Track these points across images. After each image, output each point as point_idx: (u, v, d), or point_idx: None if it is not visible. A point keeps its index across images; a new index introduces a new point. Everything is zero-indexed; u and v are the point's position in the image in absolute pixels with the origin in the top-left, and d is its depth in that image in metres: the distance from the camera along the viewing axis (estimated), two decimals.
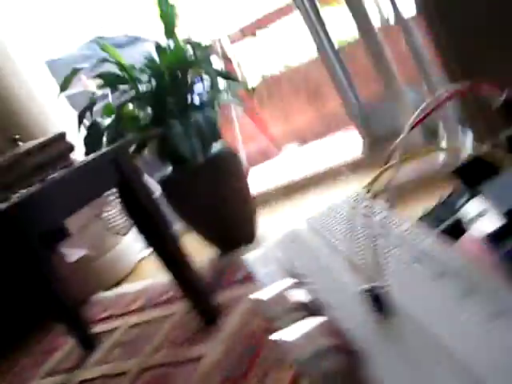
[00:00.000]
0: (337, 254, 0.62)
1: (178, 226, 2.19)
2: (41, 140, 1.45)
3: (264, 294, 0.58)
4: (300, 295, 0.57)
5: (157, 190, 2.09)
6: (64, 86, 2.02)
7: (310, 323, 0.53)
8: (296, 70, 3.81)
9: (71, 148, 1.50)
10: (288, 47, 4.03)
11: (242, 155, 3.04)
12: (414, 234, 0.57)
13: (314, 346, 0.50)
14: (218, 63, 2.30)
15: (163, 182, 2.10)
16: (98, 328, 1.96)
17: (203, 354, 1.41)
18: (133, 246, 2.70)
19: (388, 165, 0.63)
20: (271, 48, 4.10)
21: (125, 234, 1.64)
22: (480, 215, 0.53)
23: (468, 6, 1.30)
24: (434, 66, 1.72)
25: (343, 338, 0.49)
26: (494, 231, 0.45)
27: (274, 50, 4.11)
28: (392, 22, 1.91)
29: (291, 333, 0.53)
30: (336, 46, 2.39)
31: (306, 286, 0.58)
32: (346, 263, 0.59)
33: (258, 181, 2.81)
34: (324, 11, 3.66)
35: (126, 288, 2.32)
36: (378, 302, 0.50)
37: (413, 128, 0.61)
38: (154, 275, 2.27)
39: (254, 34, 2.06)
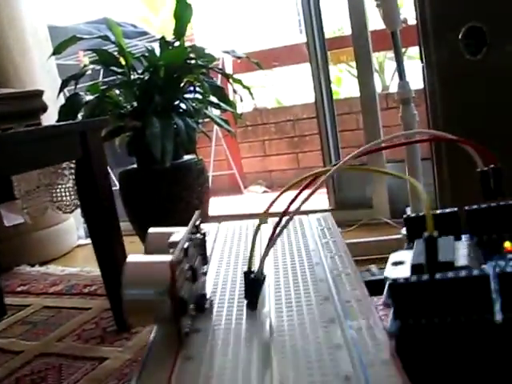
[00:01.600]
0: None
1: (125, 224, 2.13)
2: (15, 90, 1.39)
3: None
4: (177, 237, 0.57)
5: (114, 185, 2.03)
6: (58, 50, 1.96)
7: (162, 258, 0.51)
8: (287, 110, 3.82)
9: (44, 108, 1.44)
10: (287, 87, 4.06)
11: (209, 178, 3.00)
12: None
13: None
14: (215, 79, 2.27)
15: (124, 176, 2.04)
16: (9, 300, 1.88)
17: (106, 357, 1.34)
18: (74, 230, 2.62)
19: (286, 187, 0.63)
20: (270, 83, 4.12)
21: (68, 212, 1.57)
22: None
23: (476, 100, 1.30)
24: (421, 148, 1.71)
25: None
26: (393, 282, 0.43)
27: (273, 86, 4.14)
28: (392, 89, 1.93)
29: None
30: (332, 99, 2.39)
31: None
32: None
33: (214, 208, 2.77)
34: (334, 68, 3.72)
35: (53, 269, 2.23)
36: (251, 287, 0.52)
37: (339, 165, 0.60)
38: (85, 265, 2.21)
39: (263, 68, 2.05)
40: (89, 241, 2.40)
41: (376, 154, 2.15)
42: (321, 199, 2.46)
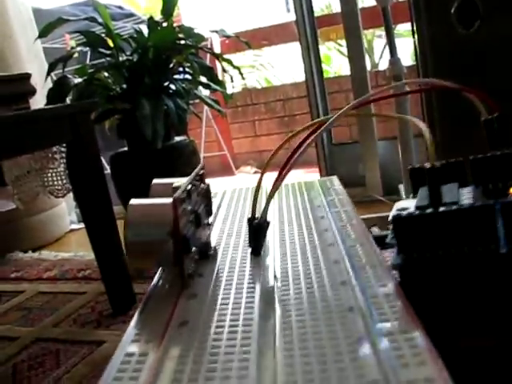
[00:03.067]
0: None
1: (117, 207, 2.11)
2: (2, 74, 1.37)
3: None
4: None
5: (105, 168, 2.01)
6: (44, 32, 1.93)
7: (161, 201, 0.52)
8: (277, 89, 3.80)
9: (33, 91, 1.42)
10: (276, 67, 4.04)
11: (201, 157, 2.98)
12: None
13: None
14: (205, 59, 2.25)
15: (115, 159, 2.03)
16: (3, 287, 1.87)
17: (103, 340, 1.33)
18: (66, 214, 2.61)
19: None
20: (260, 63, 4.10)
21: (60, 197, 1.55)
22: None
23: (469, 75, 1.30)
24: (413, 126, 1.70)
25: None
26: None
27: (263, 65, 4.11)
28: (382, 67, 1.92)
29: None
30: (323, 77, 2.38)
31: None
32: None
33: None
34: (323, 46, 3.70)
35: (46, 254, 2.22)
36: (254, 233, 0.53)
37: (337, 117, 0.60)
38: (78, 249, 2.20)
39: (253, 47, 2.03)
40: (81, 225, 2.41)
41: (369, 131, 2.15)
42: (314, 178, 2.46)
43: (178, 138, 2.01)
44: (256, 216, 0.54)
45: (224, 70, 2.04)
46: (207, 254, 0.57)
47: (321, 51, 2.43)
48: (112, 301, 1.50)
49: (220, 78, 2.10)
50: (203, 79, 2.01)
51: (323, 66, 2.49)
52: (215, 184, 3.25)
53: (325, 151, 2.37)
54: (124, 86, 2.01)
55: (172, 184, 0.56)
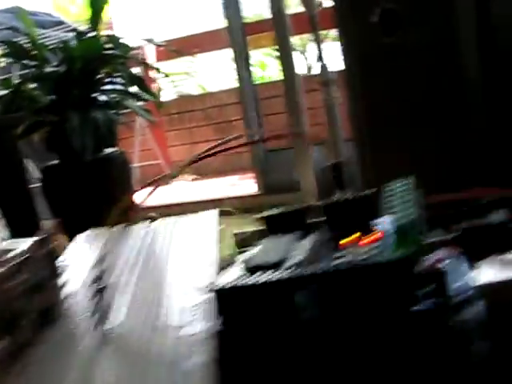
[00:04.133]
0: None
1: (49, 222, 2.07)
2: None
3: None
4: None
5: (37, 179, 1.96)
6: None
7: None
8: (212, 96, 3.79)
9: None
10: (212, 74, 4.03)
11: (135, 169, 2.95)
12: None
13: None
14: (135, 69, 2.22)
15: (46, 172, 1.98)
16: None
17: None
18: None
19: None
20: (195, 70, 4.08)
21: None
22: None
23: (393, 81, 1.32)
24: (343, 129, 1.73)
25: None
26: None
27: (198, 73, 4.10)
28: (314, 72, 1.94)
29: None
30: (255, 83, 2.39)
31: None
32: None
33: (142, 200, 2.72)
34: (258, 52, 3.71)
35: None
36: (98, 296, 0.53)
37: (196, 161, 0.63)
38: None
39: (185, 54, 2.01)
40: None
41: (298, 137, 2.17)
42: (250, 184, 2.47)
43: (108, 150, 1.97)
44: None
45: (153, 80, 2.02)
46: (51, 317, 0.55)
47: (257, 57, 2.44)
48: None
49: (153, 86, 2.08)
50: (133, 89, 1.99)
51: (260, 71, 2.50)
52: (153, 194, 3.21)
53: (260, 157, 2.38)
54: (52, 97, 1.96)
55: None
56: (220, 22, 3.42)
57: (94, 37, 1.91)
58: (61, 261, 0.62)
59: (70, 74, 1.89)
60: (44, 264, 0.56)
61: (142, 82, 1.97)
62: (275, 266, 0.40)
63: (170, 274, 0.62)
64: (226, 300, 0.39)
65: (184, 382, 0.37)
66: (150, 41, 2.06)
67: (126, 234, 0.64)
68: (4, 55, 1.98)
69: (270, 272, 0.39)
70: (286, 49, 2.15)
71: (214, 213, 0.84)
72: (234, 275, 0.41)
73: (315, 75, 3.08)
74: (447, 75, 1.24)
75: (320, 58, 1.71)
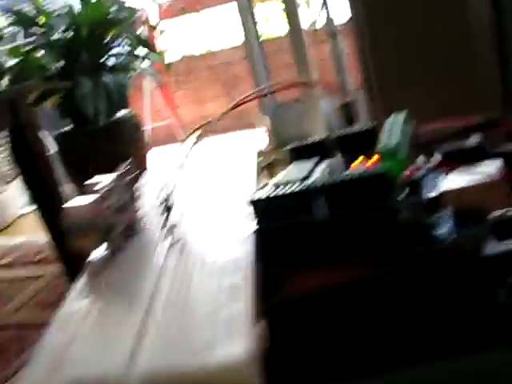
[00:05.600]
0: None
1: (68, 187, 2.11)
2: None
3: None
4: None
5: (52, 146, 1.99)
6: None
7: None
8: (218, 54, 3.77)
9: None
10: (216, 31, 3.99)
11: (147, 130, 2.97)
12: None
13: None
14: (141, 30, 2.22)
15: (61, 139, 2.01)
16: None
17: None
18: (16, 199, 2.57)
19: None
20: (199, 29, 4.04)
21: (7, 182, 1.54)
22: None
23: (399, 30, 1.32)
24: (352, 78, 1.74)
25: None
26: None
27: (202, 31, 4.06)
28: (320, 25, 1.94)
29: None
30: (261, 39, 2.38)
31: None
32: None
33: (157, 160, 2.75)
34: (260, 6, 3.67)
35: None
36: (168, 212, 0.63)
37: (232, 109, 0.67)
38: (31, 233, 2.18)
39: (189, 11, 2.01)
40: (31, 209, 2.39)
41: (308, 87, 2.17)
42: (261, 139, 2.48)
43: (120, 113, 2.00)
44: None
45: (160, 42, 2.03)
46: (133, 233, 0.69)
47: (263, 12, 2.42)
48: (71, 281, 1.50)
49: (158, 47, 2.09)
50: (141, 51, 2.00)
51: (266, 26, 2.48)
52: (164, 154, 3.24)
53: (269, 112, 2.39)
54: (61, 64, 1.97)
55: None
56: None
57: (98, 1, 1.91)
58: (137, 188, 0.75)
59: (77, 40, 1.91)
60: (125, 190, 0.71)
61: (149, 44, 1.98)
62: (299, 182, 0.51)
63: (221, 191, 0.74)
64: (261, 208, 0.50)
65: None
66: (153, 0, 2.06)
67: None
68: (11, 24, 1.99)
69: (294, 186, 0.50)
70: (292, 1, 2.13)
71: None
72: (267, 190, 0.51)
73: (321, 28, 3.06)
74: (456, 23, 1.24)
75: (326, 10, 1.71)
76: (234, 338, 0.38)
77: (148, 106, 3.33)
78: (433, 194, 0.49)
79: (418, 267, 0.45)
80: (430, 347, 0.43)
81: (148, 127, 3.06)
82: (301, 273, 0.47)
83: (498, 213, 0.47)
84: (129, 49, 1.96)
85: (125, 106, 1.98)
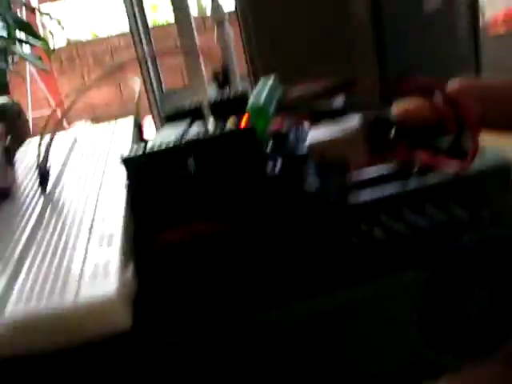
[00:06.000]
0: None
1: None
2: None
3: None
4: None
5: None
6: None
7: None
8: (104, 41, 3.68)
9: None
10: (101, 17, 3.90)
11: (29, 118, 2.85)
12: None
13: None
14: (20, 13, 2.13)
15: None
16: None
17: None
18: None
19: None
20: (83, 14, 3.93)
21: None
22: None
23: (286, 18, 1.34)
24: (238, 67, 1.75)
25: None
26: None
27: (87, 16, 3.95)
28: (209, 13, 1.93)
29: None
30: (150, 25, 2.35)
31: None
32: None
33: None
34: None
35: None
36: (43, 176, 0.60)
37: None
38: None
39: None
40: None
41: (199, 76, 2.17)
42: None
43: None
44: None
45: (42, 26, 1.95)
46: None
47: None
48: None
49: (41, 33, 2.01)
50: (21, 35, 1.91)
51: (152, 13, 2.45)
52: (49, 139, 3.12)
53: (156, 99, 2.37)
54: None
55: None
56: None
57: None
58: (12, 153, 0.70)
59: None
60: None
61: (30, 28, 1.89)
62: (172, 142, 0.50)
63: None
64: (132, 167, 0.49)
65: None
66: None
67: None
68: None
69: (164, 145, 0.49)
70: None
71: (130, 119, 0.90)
72: (137, 150, 0.50)
73: (208, 15, 3.07)
74: (338, 13, 1.27)
75: None
76: (105, 278, 0.40)
77: (29, 93, 3.20)
78: (298, 148, 0.51)
79: (282, 217, 0.47)
80: (284, 292, 0.45)
81: (29, 116, 2.95)
82: (169, 226, 0.48)
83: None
84: (6, 32, 1.87)
85: (4, 93, 1.89)
